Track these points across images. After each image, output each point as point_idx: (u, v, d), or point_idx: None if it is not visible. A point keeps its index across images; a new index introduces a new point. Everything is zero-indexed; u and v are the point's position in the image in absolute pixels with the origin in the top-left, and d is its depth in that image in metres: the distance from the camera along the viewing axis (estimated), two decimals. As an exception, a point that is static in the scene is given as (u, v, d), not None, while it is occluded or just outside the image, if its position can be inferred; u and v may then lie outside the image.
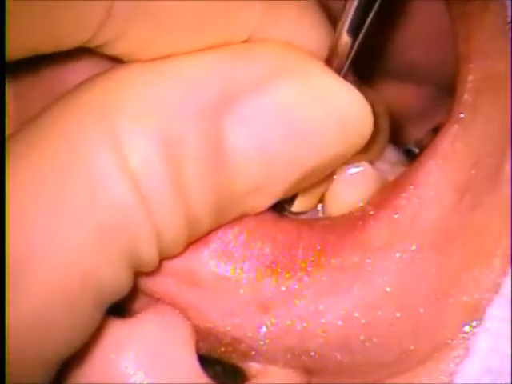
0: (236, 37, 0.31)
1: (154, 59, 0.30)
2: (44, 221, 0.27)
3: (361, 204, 0.36)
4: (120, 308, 0.34)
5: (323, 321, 0.33)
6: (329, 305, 0.33)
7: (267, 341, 0.33)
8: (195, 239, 0.32)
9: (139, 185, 0.28)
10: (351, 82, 0.31)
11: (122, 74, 0.30)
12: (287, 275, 0.33)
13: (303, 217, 0.37)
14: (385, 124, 0.38)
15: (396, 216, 0.33)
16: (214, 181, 0.30)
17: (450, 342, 0.33)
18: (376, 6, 0.31)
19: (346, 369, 0.34)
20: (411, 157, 0.41)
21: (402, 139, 0.46)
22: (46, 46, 0.28)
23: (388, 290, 0.33)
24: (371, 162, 0.37)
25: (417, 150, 0.44)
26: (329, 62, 0.32)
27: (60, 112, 0.29)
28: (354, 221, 0.34)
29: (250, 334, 0.33)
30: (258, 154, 0.30)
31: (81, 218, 0.28)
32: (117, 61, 0.31)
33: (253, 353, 0.34)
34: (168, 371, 0.33)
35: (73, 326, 0.28)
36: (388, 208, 0.34)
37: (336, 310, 0.33)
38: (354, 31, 0.32)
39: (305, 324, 0.33)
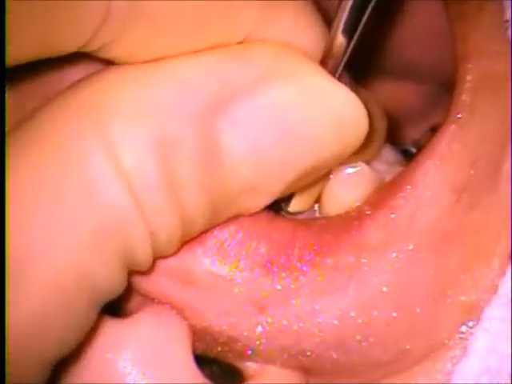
0: (233, 38, 0.31)
1: (148, 61, 0.30)
2: (44, 221, 0.27)
3: (357, 204, 0.36)
4: (116, 308, 0.34)
5: (319, 320, 0.33)
6: (325, 304, 0.33)
7: (263, 340, 0.33)
8: (189, 239, 0.32)
9: (133, 185, 0.28)
10: (346, 84, 0.31)
11: (116, 74, 0.30)
12: (283, 274, 0.33)
13: (300, 217, 0.37)
14: (381, 124, 0.38)
15: (393, 216, 0.33)
16: (207, 182, 0.30)
17: (446, 342, 0.33)
18: (371, 6, 0.31)
19: (342, 368, 0.34)
20: (408, 157, 0.41)
21: (399, 139, 0.46)
22: (43, 51, 0.28)
23: (384, 289, 0.33)
24: (368, 162, 0.37)
25: (414, 150, 0.44)
26: (323, 62, 0.32)
27: (56, 111, 0.29)
28: (351, 220, 0.34)
29: (245, 334, 0.33)
30: (252, 155, 0.30)
31: (77, 218, 0.28)
32: (113, 64, 0.31)
33: (249, 352, 0.34)
34: (165, 371, 0.33)
35: (68, 325, 0.28)
36: (385, 208, 0.34)
37: (332, 309, 0.33)
38: (349, 32, 0.32)
39: (301, 323, 0.33)
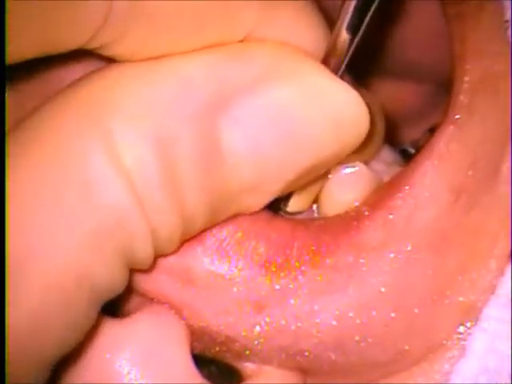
0: (233, 37, 0.31)
1: (149, 58, 0.30)
2: (44, 220, 0.27)
3: (356, 204, 0.36)
4: (115, 308, 0.34)
5: (318, 320, 0.33)
6: (323, 305, 0.33)
7: (261, 340, 0.33)
8: (189, 237, 0.32)
9: (134, 184, 0.28)
10: (348, 82, 0.31)
11: (116, 72, 0.30)
12: (281, 274, 0.33)
13: (298, 217, 0.37)
14: (380, 125, 0.38)
15: (391, 216, 0.33)
16: (208, 180, 0.30)
17: (444, 342, 0.33)
18: (375, 3, 0.31)
19: (340, 369, 0.34)
20: (407, 157, 0.41)
21: (397, 139, 0.46)
22: (43, 50, 0.28)
23: (383, 290, 0.33)
24: (366, 163, 0.37)
25: (413, 151, 0.43)
26: (326, 61, 0.32)
27: (56, 109, 0.29)
28: (349, 221, 0.34)
29: (243, 333, 0.33)
30: (252, 154, 0.30)
31: (78, 218, 0.28)
32: (114, 62, 0.31)
33: (247, 352, 0.34)
34: (163, 371, 0.33)
35: (68, 325, 0.28)
36: (383, 208, 0.34)
37: (330, 309, 0.33)
38: (353, 29, 0.32)
39: (299, 324, 0.33)
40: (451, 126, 0.33)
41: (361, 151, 0.34)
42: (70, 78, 0.31)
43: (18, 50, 0.28)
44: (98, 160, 0.28)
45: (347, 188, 0.36)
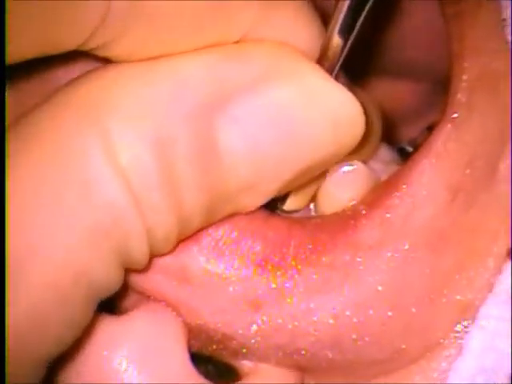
0: (231, 37, 0.31)
1: (147, 59, 0.30)
2: (43, 219, 0.28)
3: (353, 202, 0.36)
4: (113, 306, 0.35)
5: (314, 319, 0.33)
6: (320, 303, 0.33)
7: (258, 339, 0.33)
8: (186, 237, 0.32)
9: (131, 183, 0.28)
10: (342, 83, 0.31)
11: (115, 72, 0.30)
12: (278, 273, 0.33)
13: (295, 215, 0.37)
14: (377, 124, 0.38)
15: (388, 215, 0.33)
16: (205, 180, 0.30)
17: (442, 341, 0.33)
18: (368, 6, 0.31)
19: (337, 367, 0.34)
20: (405, 155, 0.41)
21: (395, 138, 0.46)
22: (43, 50, 0.28)
23: (380, 289, 0.33)
24: (364, 162, 0.37)
25: (410, 149, 0.43)
26: (320, 63, 0.32)
27: (55, 108, 0.29)
28: (346, 219, 0.34)
29: (240, 332, 0.33)
30: (249, 154, 0.30)
31: (76, 216, 0.28)
32: (112, 62, 0.31)
33: (244, 350, 0.34)
34: (160, 368, 0.33)
35: (65, 322, 0.29)
36: (380, 207, 0.34)
37: (327, 308, 0.33)
38: (346, 32, 0.32)
39: (296, 322, 0.33)
40: (449, 125, 0.33)
41: (358, 151, 0.35)
42: (68, 78, 0.31)
43: (18, 49, 0.28)
44: (95, 159, 0.28)
45: (345, 186, 0.36)
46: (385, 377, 0.34)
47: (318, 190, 0.37)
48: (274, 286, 0.33)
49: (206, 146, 0.30)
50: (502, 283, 0.32)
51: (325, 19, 0.33)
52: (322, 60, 0.32)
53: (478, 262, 0.33)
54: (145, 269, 0.32)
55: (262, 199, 0.32)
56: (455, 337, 0.33)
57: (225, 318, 0.33)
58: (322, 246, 0.33)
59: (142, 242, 0.29)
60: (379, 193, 0.34)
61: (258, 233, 0.33)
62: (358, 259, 0.33)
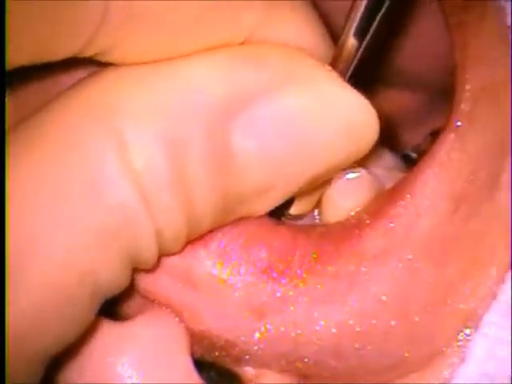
0: (235, 38, 0.31)
1: (152, 61, 0.30)
2: (44, 219, 0.27)
3: (357, 209, 0.36)
4: (117, 311, 0.35)
5: (317, 328, 0.33)
6: (323, 312, 0.33)
7: (261, 346, 0.33)
8: (194, 238, 0.32)
9: (142, 184, 0.28)
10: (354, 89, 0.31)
11: (127, 73, 0.30)
12: (283, 281, 0.33)
13: (300, 222, 0.37)
14: None
15: (392, 225, 0.33)
16: (217, 182, 0.30)
17: (444, 349, 0.33)
18: (384, 8, 0.31)
19: (340, 375, 0.34)
20: (409, 162, 0.41)
21: (398, 144, 0.46)
22: (42, 54, 0.28)
23: (383, 298, 0.33)
24: (366, 168, 0.37)
25: (414, 155, 0.43)
26: (334, 63, 0.32)
27: (62, 108, 0.29)
28: (351, 229, 0.34)
29: (243, 338, 0.33)
30: (263, 158, 0.30)
31: (81, 217, 0.28)
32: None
33: (247, 357, 0.34)
34: (163, 375, 0.33)
35: (66, 321, 0.29)
36: (384, 217, 0.34)
37: (331, 317, 0.33)
38: (361, 34, 0.32)
39: (299, 331, 0.33)
40: (452, 135, 0.33)
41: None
42: (70, 83, 0.31)
43: (18, 53, 0.28)
44: (106, 159, 0.28)
45: (349, 194, 0.36)
46: (388, 384, 0.34)
47: (322, 196, 0.37)
48: (278, 293, 0.33)
49: (219, 148, 0.30)
50: (505, 292, 0.32)
51: (325, 19, 0.33)
52: (336, 61, 0.32)
53: (480, 271, 0.33)
54: (151, 269, 0.32)
55: (274, 203, 0.33)
56: (458, 345, 0.33)
57: (228, 324, 0.33)
58: (327, 256, 0.33)
59: (151, 242, 0.29)
60: (383, 202, 0.34)
61: (265, 240, 0.33)
62: (363, 269, 0.33)
